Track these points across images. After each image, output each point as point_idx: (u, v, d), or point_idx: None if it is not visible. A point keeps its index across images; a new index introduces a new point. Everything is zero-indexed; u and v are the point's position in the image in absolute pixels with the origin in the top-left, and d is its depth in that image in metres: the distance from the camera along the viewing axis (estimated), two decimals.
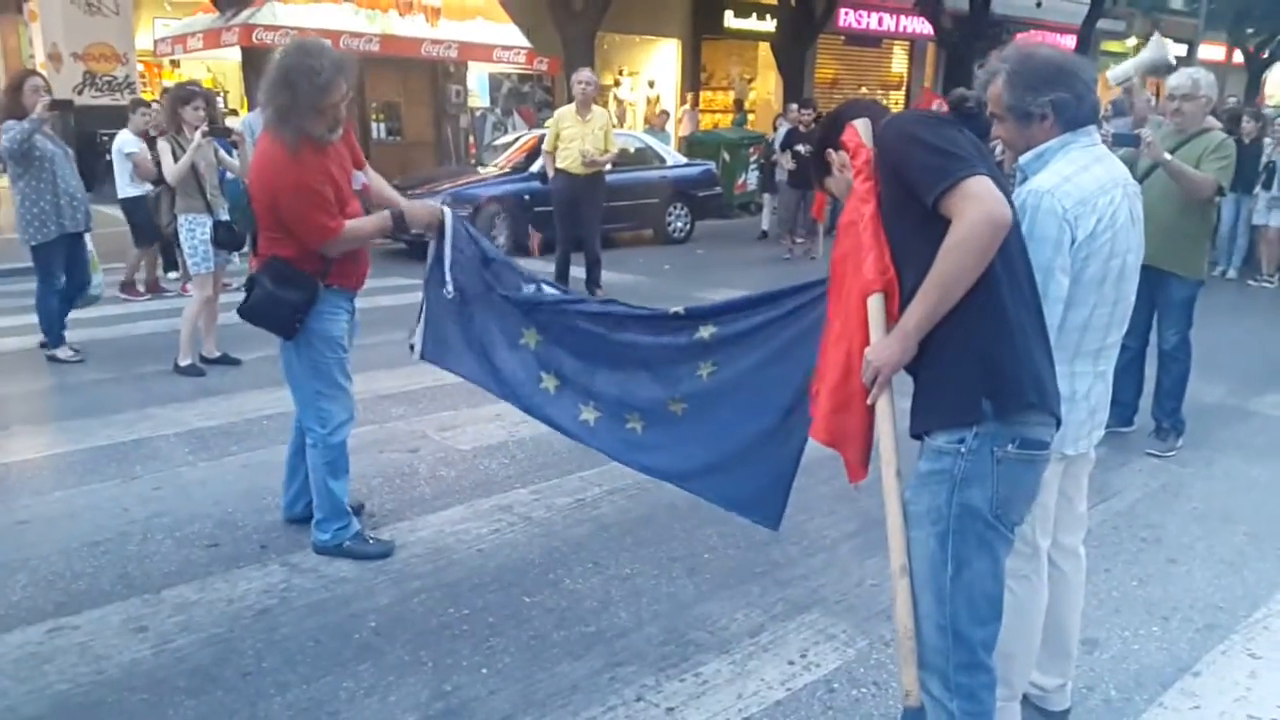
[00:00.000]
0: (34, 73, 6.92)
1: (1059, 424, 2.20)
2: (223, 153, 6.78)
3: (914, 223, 2.12)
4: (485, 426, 5.34)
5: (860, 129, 2.34)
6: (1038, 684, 2.82)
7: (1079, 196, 2.36)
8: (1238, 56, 27.78)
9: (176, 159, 6.22)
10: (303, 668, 3.04)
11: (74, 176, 6.59)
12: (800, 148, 12.22)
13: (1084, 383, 2.53)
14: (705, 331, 3.06)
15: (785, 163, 12.28)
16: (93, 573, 3.64)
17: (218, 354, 6.59)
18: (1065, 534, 2.75)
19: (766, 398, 2.90)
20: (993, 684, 2.20)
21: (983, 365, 2.08)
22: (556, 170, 9.05)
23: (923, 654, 2.17)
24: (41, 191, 6.35)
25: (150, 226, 8.31)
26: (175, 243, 7.05)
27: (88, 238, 6.84)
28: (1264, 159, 10.59)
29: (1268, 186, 10.50)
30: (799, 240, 12.23)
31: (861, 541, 3.98)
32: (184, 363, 6.35)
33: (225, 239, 6.36)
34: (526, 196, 11.28)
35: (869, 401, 2.22)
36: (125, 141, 8.58)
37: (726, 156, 15.39)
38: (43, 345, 6.76)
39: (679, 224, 13.18)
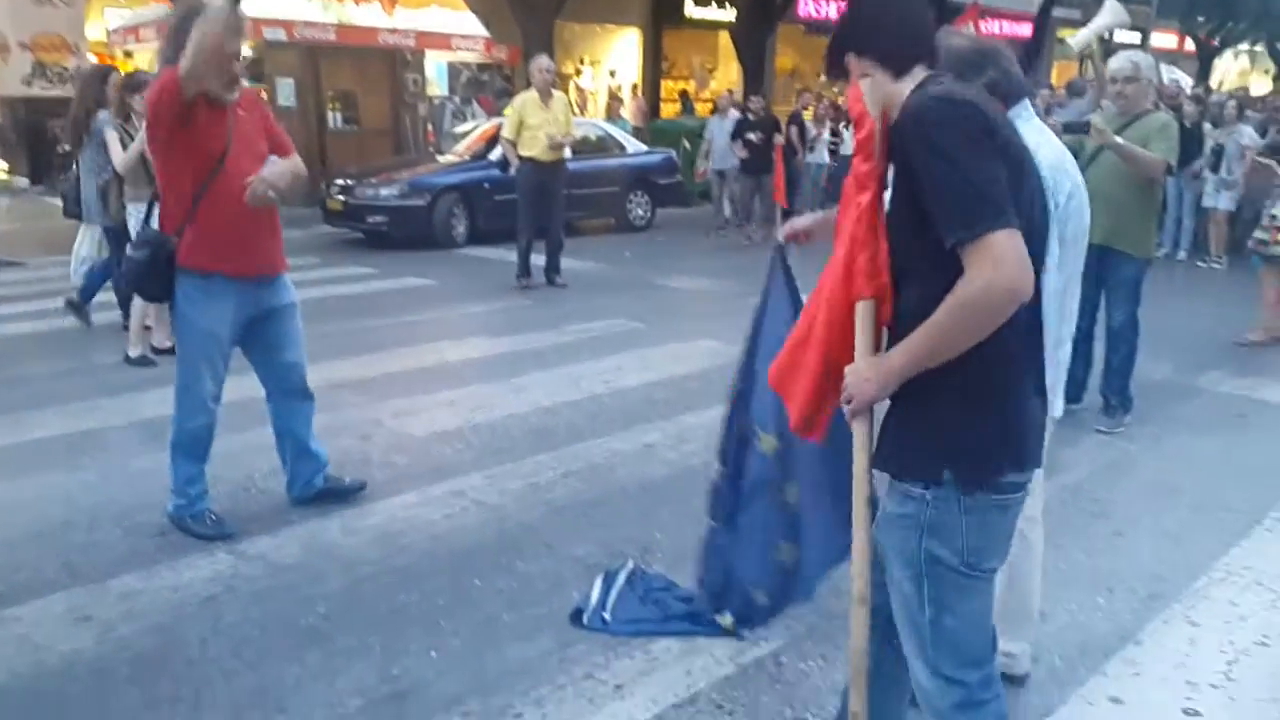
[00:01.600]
0: (113, 68, 7.28)
1: (1037, 465, 2.03)
2: None
3: (924, 237, 1.81)
4: (440, 412, 5.31)
5: (866, 91, 1.92)
6: (1004, 650, 2.79)
7: (1051, 161, 2.39)
8: (1189, 44, 28.20)
9: (125, 147, 6.12)
10: (249, 655, 3.01)
11: None
12: (751, 135, 12.25)
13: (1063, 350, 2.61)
14: (766, 445, 2.97)
15: (737, 151, 12.31)
16: (36, 563, 3.58)
17: (169, 344, 6.50)
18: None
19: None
20: (1000, 711, 2.02)
21: (950, 435, 1.89)
22: (522, 158, 8.99)
23: (917, 694, 2.04)
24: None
25: None
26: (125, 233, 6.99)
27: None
28: (1210, 143, 10.77)
29: (1215, 169, 10.66)
30: (749, 228, 12.28)
31: None
32: (134, 354, 6.28)
33: None
34: (486, 184, 11.22)
35: (848, 421, 2.01)
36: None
37: (687, 144, 15.39)
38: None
39: (639, 211, 13.17)
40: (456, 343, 7.01)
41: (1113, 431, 5.19)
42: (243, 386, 5.94)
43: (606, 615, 3.24)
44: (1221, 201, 10.70)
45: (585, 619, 3.22)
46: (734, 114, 12.86)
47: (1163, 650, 3.17)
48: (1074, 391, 5.37)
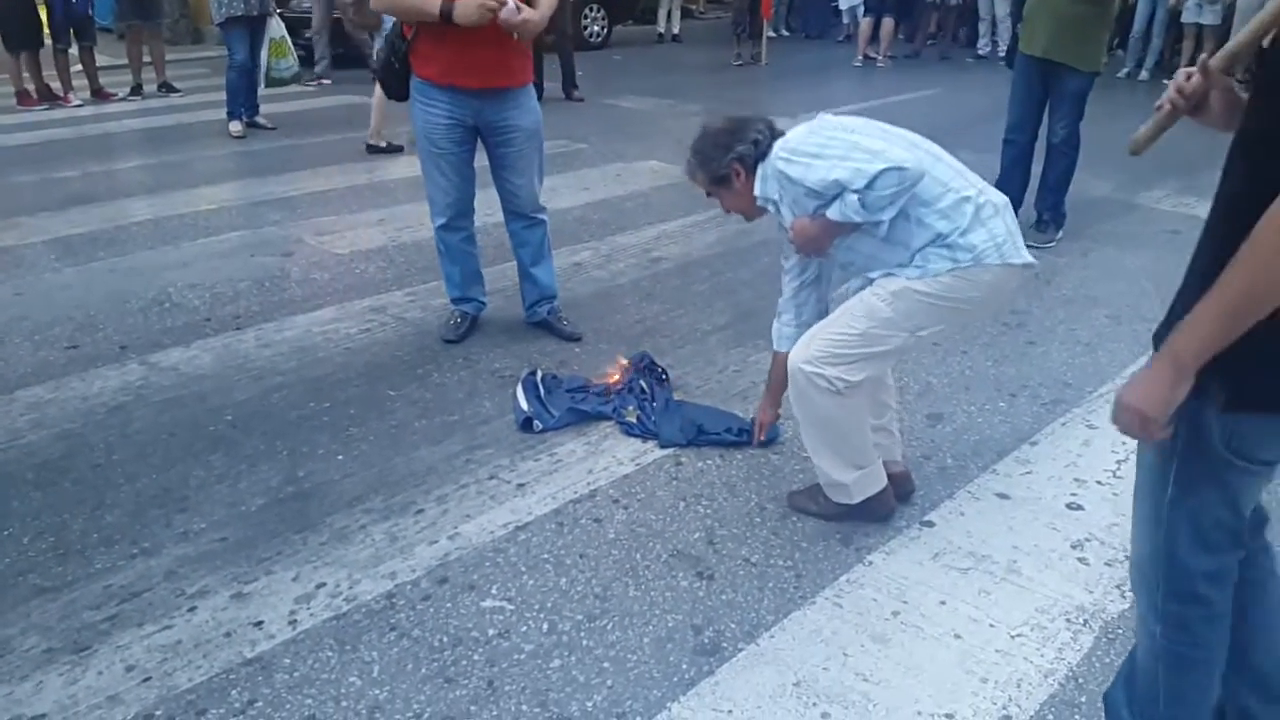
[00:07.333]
0: None
1: None
2: None
3: None
4: (365, 231, 5.22)
5: None
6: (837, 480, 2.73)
7: None
8: None
9: None
10: (154, 459, 3.04)
11: None
12: None
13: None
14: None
15: None
16: None
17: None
18: None
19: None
20: (1211, 616, 1.76)
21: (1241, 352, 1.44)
22: None
23: (1134, 567, 1.83)
24: None
25: (21, 31, 8.14)
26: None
27: (274, 23, 7.69)
28: None
29: None
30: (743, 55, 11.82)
31: (730, 334, 4.04)
32: (383, 144, 6.97)
33: None
34: None
35: None
36: None
37: None
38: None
39: (594, 28, 12.65)
40: (390, 160, 6.82)
41: (1043, 246, 5.18)
42: (158, 205, 5.81)
43: (554, 412, 3.32)
44: (1205, 17, 10.31)
45: (535, 424, 3.28)
46: None
47: (1056, 450, 3.25)
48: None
